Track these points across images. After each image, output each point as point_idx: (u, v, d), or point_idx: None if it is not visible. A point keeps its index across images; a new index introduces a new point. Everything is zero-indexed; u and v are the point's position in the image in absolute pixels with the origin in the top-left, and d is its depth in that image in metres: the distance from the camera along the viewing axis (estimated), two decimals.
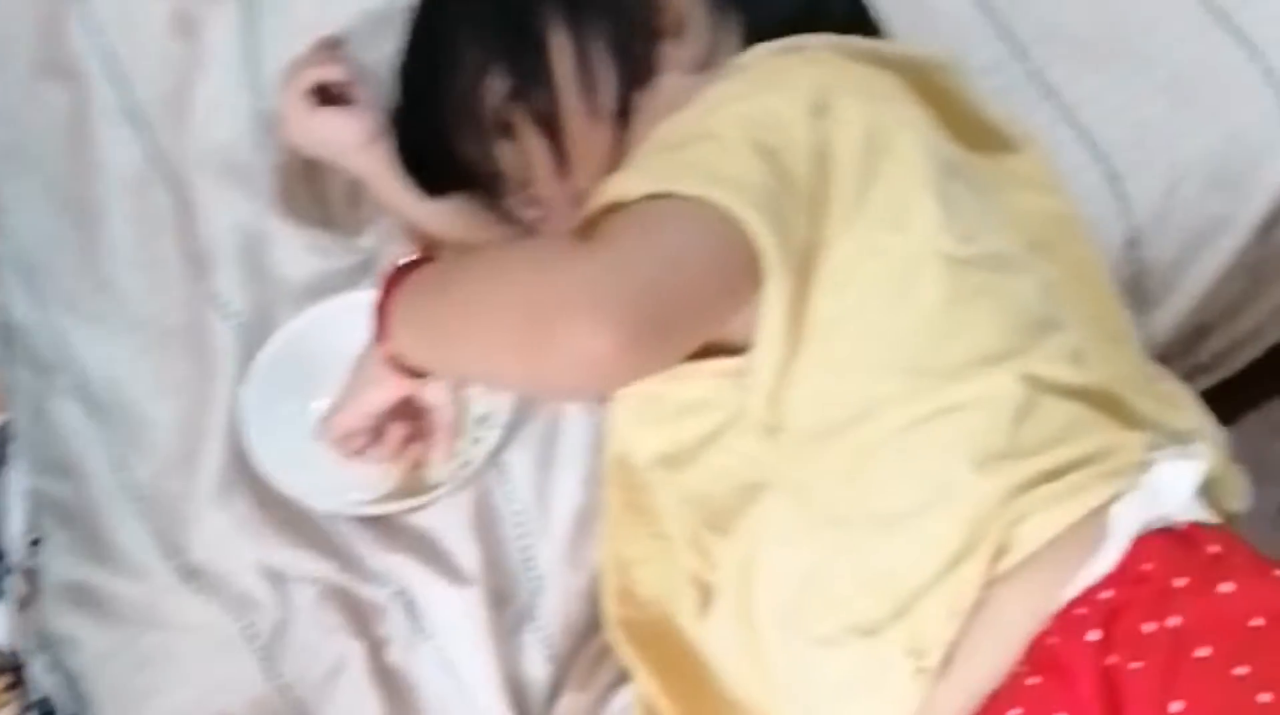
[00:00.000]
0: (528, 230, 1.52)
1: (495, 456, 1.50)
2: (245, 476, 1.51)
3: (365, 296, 1.51)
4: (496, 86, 1.45)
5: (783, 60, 1.39)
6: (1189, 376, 1.59)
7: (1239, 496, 1.37)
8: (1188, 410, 1.41)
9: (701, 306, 1.27)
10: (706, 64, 1.45)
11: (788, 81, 1.35)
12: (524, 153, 1.46)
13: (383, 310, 1.37)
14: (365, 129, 1.59)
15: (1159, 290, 1.65)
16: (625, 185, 1.30)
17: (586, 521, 1.49)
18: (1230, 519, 1.32)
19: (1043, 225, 1.43)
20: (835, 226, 1.29)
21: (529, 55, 1.45)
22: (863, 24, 1.50)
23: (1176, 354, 1.69)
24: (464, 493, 1.49)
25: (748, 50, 1.41)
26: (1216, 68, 1.67)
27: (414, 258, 1.39)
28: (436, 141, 1.51)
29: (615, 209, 1.29)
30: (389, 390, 1.42)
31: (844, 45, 1.41)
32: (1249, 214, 1.65)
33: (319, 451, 1.47)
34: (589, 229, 1.30)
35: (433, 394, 1.43)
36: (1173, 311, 1.66)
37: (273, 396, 1.52)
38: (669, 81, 1.44)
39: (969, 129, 1.42)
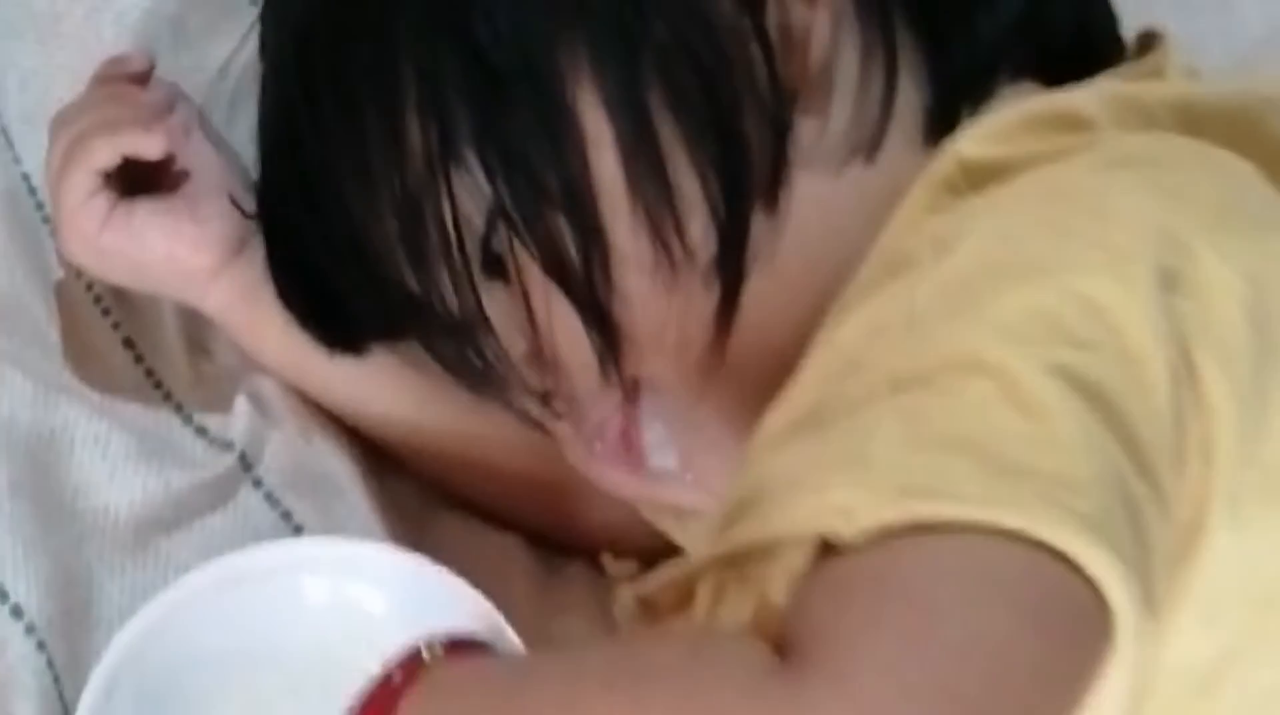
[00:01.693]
0: (527, 421, 0.88)
1: None
2: None
3: (254, 559, 0.87)
4: (475, 191, 0.80)
5: (1074, 166, 0.75)
6: None
7: None
8: None
9: None
10: (870, 149, 0.80)
11: (1102, 222, 0.72)
12: (527, 312, 0.82)
13: None
14: (214, 240, 0.93)
15: None
16: (836, 499, 0.65)
17: None
18: None
19: None
20: (1206, 502, 0.70)
21: (537, 142, 0.79)
22: (1101, 32, 0.87)
23: None
24: None
25: (960, 127, 0.78)
26: None
27: (390, 673, 0.72)
28: (350, 263, 0.86)
29: (814, 549, 0.65)
30: None
31: (1135, 100, 0.79)
32: None
33: None
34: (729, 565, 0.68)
35: None
36: None
37: None
38: (810, 194, 0.80)
39: None
